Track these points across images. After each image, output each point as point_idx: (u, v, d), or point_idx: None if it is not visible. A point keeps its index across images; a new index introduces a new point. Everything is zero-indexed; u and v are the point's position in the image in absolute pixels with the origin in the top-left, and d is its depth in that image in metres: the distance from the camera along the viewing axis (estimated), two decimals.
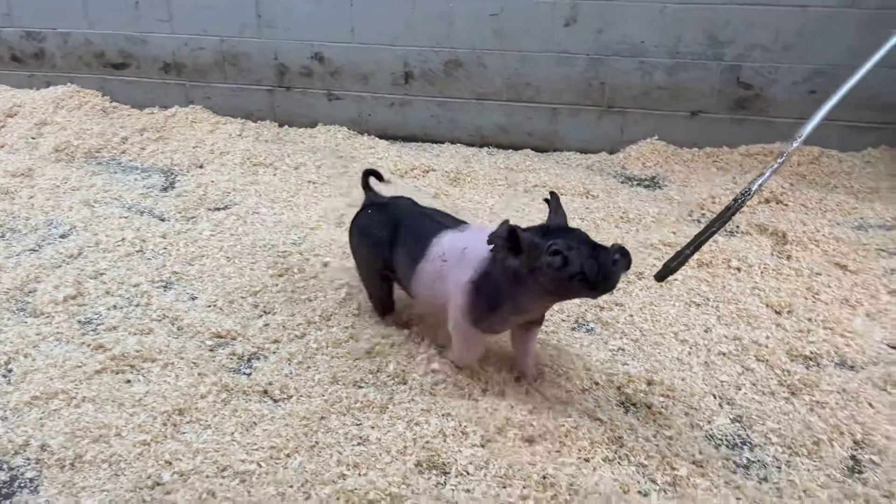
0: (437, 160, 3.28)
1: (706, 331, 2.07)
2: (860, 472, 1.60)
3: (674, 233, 2.59)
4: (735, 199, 1.85)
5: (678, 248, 1.85)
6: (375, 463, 1.60)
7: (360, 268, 2.05)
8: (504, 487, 1.54)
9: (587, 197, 2.93)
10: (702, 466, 1.61)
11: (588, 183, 3.03)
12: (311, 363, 1.93)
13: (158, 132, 3.55)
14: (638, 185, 3.07)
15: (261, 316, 2.14)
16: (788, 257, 2.44)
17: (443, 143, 3.54)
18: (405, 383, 1.85)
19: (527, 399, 1.78)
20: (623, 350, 2.01)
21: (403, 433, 1.68)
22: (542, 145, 3.46)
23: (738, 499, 1.53)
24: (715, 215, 1.88)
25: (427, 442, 1.65)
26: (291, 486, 1.53)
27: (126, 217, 2.73)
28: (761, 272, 2.34)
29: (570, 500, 1.49)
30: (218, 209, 2.82)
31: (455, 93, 3.49)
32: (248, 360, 1.96)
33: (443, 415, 1.74)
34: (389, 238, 1.88)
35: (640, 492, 1.54)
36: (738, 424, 1.75)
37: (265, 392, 1.83)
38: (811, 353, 1.98)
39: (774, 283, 2.28)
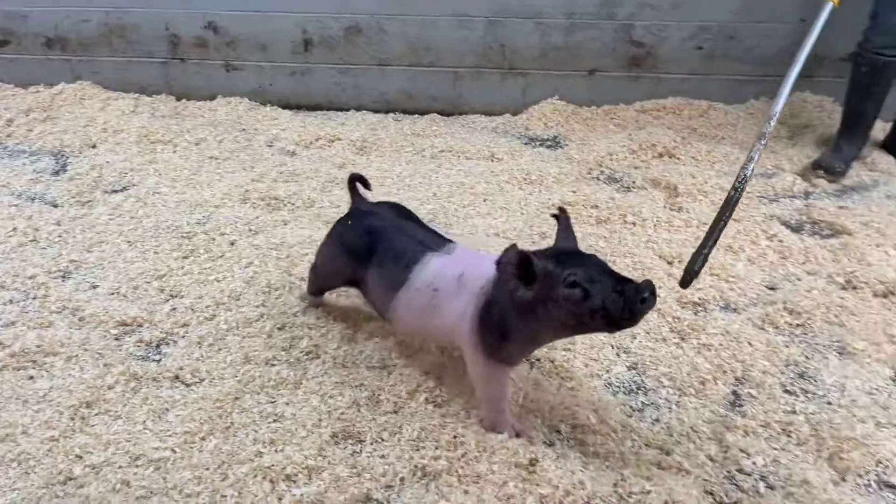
0: (342, 129, 3.26)
1: None
2: (740, 406, 1.76)
3: (573, 192, 2.70)
4: (734, 188, 1.81)
5: (695, 251, 1.76)
6: (291, 438, 1.64)
7: (322, 265, 1.94)
8: (417, 450, 1.61)
9: (492, 160, 2.99)
10: (600, 413, 1.72)
11: (493, 146, 3.09)
12: (221, 345, 1.93)
13: (45, 112, 3.36)
14: (541, 145, 3.15)
15: (167, 300, 2.11)
16: (679, 209, 2.58)
17: (348, 110, 3.51)
18: (318, 358, 1.88)
19: (436, 366, 1.84)
20: None
21: (318, 407, 1.72)
22: (448, 109, 3.49)
23: (633, 441, 1.66)
24: (719, 210, 1.81)
25: (342, 413, 1.70)
26: (208, 469, 1.55)
27: (16, 205, 2.60)
28: (654, 225, 2.48)
29: (480, 457, 1.58)
30: (115, 191, 2.72)
31: (357, 59, 3.46)
32: (157, 346, 1.94)
33: (356, 386, 1.79)
34: (364, 257, 1.73)
35: (545, 442, 1.64)
36: (633, 371, 1.88)
37: (176, 377, 1.82)
38: (699, 299, 2.12)
39: (667, 235, 2.42)
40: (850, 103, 2.81)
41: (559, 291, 1.38)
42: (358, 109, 3.52)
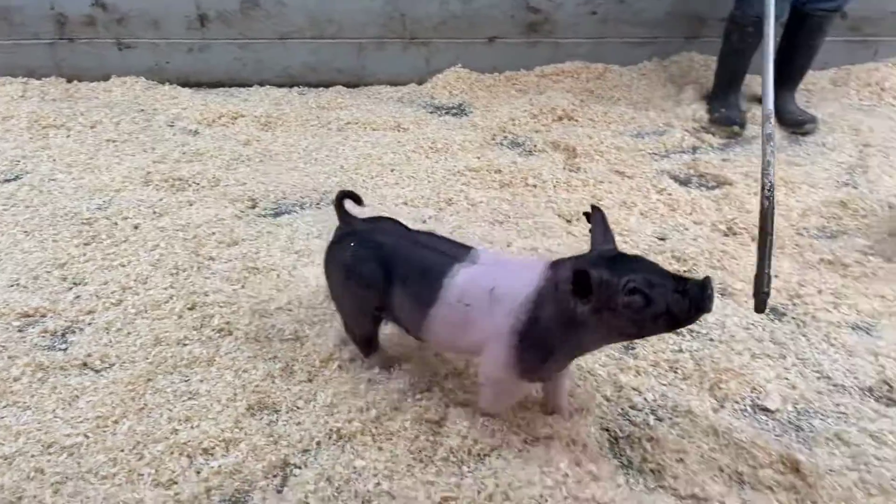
0: (245, 105, 3.22)
1: (508, 245, 2.29)
2: (633, 349, 1.90)
3: (478, 158, 2.78)
4: (765, 198, 1.76)
5: (756, 275, 1.73)
6: (207, 414, 1.67)
7: (342, 308, 1.74)
8: (331, 415, 1.67)
9: (398, 130, 3.03)
10: None
11: (399, 116, 3.13)
12: (131, 328, 1.92)
13: None
14: (446, 113, 3.21)
15: (70, 288, 2.07)
16: (578, 170, 2.71)
17: (250, 86, 3.47)
18: (231, 334, 1.90)
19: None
20: None
21: (232, 382, 1.75)
22: (353, 81, 3.49)
23: (538, 390, 1.77)
24: (760, 226, 1.76)
25: (256, 386, 1.74)
26: (122, 450, 1.56)
27: None
28: (554, 186, 2.59)
29: (393, 417, 1.65)
30: (7, 181, 2.62)
31: (257, 33, 3.40)
32: (63, 335, 1.92)
33: (269, 359, 1.83)
34: (383, 279, 1.57)
35: (455, 402, 1.73)
36: None
37: (84, 364, 1.81)
38: None
39: (565, 195, 2.54)
40: (723, 62, 2.99)
41: (619, 300, 1.32)
42: (261, 85, 3.48)
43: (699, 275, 2.13)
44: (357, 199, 1.69)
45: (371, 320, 1.69)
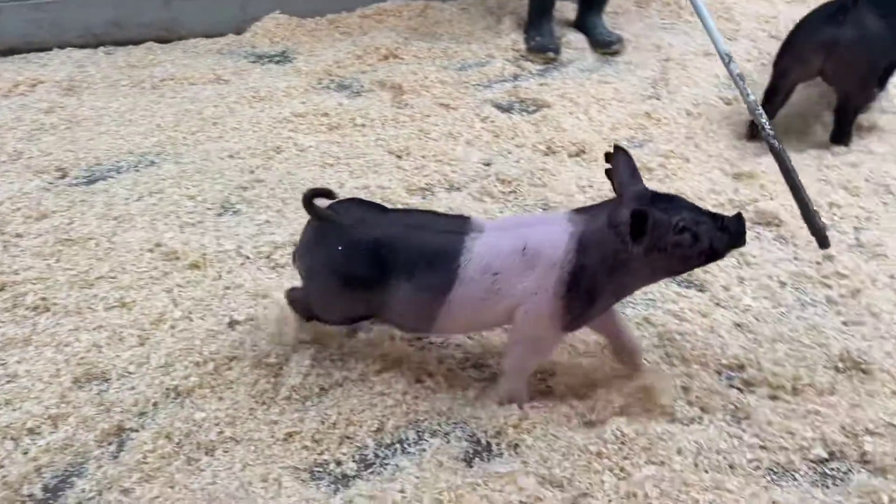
0: (44, 70, 2.95)
1: (340, 186, 2.29)
2: None
3: (303, 103, 2.73)
4: (773, 140, 1.77)
5: (805, 216, 1.73)
6: (28, 394, 1.58)
7: (325, 308, 1.59)
8: (167, 374, 1.63)
9: (218, 82, 2.91)
10: None
11: (218, 68, 3.00)
12: None
13: None
14: (269, 61, 3.11)
15: None
16: (405, 106, 2.73)
17: (49, 49, 3.17)
18: (48, 311, 1.80)
19: (178, 294, 1.85)
20: (269, 222, 2.15)
21: (53, 357, 1.67)
22: (165, 36, 3.28)
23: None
24: (781, 170, 1.77)
25: (81, 358, 1.67)
26: None
27: None
28: (382, 124, 2.61)
29: (231, 366, 1.65)
30: None
31: None
32: None
33: (93, 329, 1.75)
34: (381, 276, 1.45)
35: (292, 348, 1.73)
36: None
37: None
38: (426, 184, 2.31)
39: (394, 132, 2.56)
40: None
41: (669, 239, 1.35)
42: (61, 47, 3.19)
43: (523, 195, 2.26)
44: (329, 195, 1.53)
45: (352, 321, 1.60)
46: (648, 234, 1.33)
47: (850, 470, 1.43)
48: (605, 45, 3.11)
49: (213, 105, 2.73)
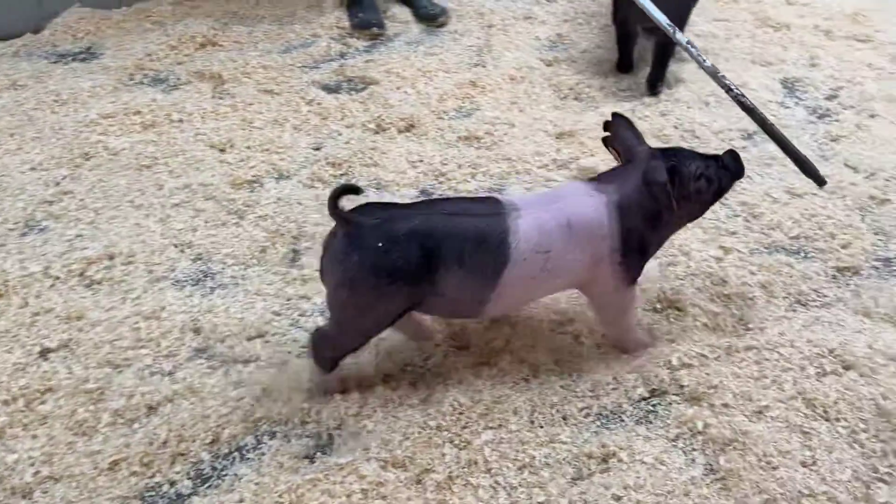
0: None
1: (159, 188, 2.16)
2: (298, 260, 1.94)
3: (113, 102, 2.54)
4: (740, 97, 1.85)
5: (797, 164, 1.83)
6: None
7: (359, 320, 1.47)
8: None
9: (14, 88, 2.64)
10: (167, 309, 1.76)
11: (13, 72, 2.73)
12: None
13: None
14: (73, 60, 2.86)
15: None
16: (226, 96, 2.61)
17: None
18: None
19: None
20: (81, 236, 1.99)
21: None
22: None
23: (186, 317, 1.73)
24: (760, 124, 1.86)
25: None
26: None
27: None
28: (202, 117, 2.47)
29: (45, 400, 1.52)
30: None
31: None
32: None
33: None
34: (428, 265, 1.39)
35: None
36: (199, 262, 1.93)
37: None
38: (253, 176, 2.22)
39: (214, 125, 2.44)
40: None
41: (691, 187, 1.51)
42: None
43: (355, 176, 2.23)
44: (356, 191, 1.45)
45: (384, 327, 1.51)
46: (678, 187, 1.50)
47: (670, 403, 1.53)
48: (431, 19, 3.09)
49: (8, 115, 2.48)
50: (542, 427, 1.48)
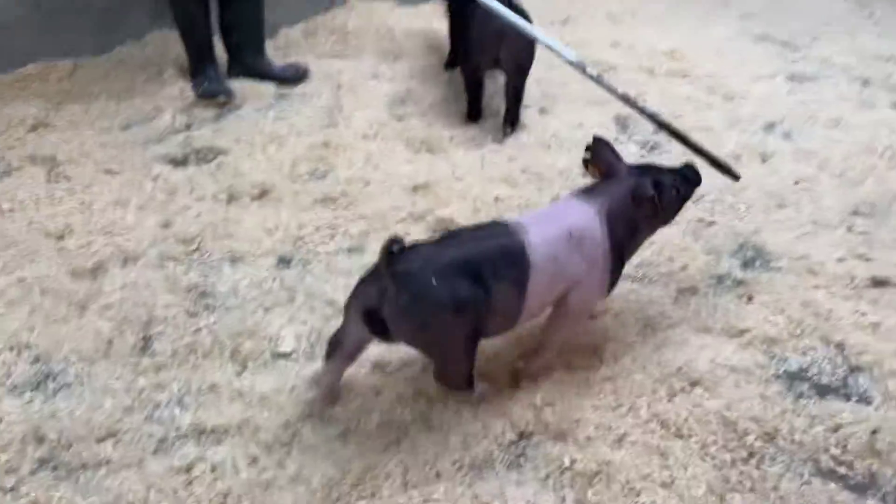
0: None
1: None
2: (149, 348, 1.84)
3: None
4: (649, 114, 1.95)
5: (713, 164, 1.92)
6: None
7: (447, 353, 1.55)
8: None
9: None
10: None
11: None
12: None
13: None
14: None
15: None
16: (62, 179, 2.46)
17: None
18: None
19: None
20: None
21: None
22: None
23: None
24: (674, 135, 1.95)
25: None
26: None
27: None
28: (36, 204, 2.32)
29: None
30: None
31: None
32: None
33: None
34: (483, 287, 1.49)
35: None
36: (38, 363, 1.79)
37: None
38: (95, 263, 2.09)
39: (50, 211, 2.29)
40: (185, 35, 2.99)
41: (666, 198, 1.67)
42: None
43: (208, 250, 2.16)
44: (401, 242, 1.46)
45: (478, 340, 1.57)
46: (660, 198, 1.67)
47: (538, 443, 1.56)
48: (289, 80, 3.09)
49: None
50: (415, 488, 1.47)
